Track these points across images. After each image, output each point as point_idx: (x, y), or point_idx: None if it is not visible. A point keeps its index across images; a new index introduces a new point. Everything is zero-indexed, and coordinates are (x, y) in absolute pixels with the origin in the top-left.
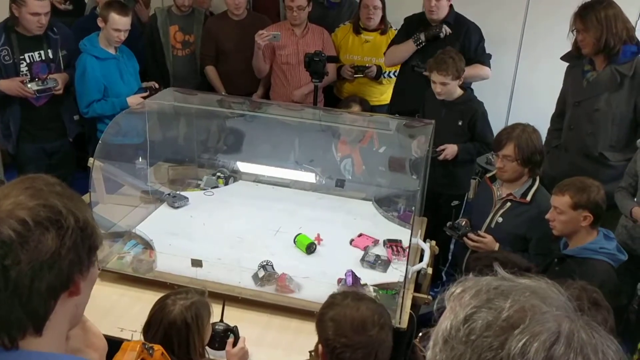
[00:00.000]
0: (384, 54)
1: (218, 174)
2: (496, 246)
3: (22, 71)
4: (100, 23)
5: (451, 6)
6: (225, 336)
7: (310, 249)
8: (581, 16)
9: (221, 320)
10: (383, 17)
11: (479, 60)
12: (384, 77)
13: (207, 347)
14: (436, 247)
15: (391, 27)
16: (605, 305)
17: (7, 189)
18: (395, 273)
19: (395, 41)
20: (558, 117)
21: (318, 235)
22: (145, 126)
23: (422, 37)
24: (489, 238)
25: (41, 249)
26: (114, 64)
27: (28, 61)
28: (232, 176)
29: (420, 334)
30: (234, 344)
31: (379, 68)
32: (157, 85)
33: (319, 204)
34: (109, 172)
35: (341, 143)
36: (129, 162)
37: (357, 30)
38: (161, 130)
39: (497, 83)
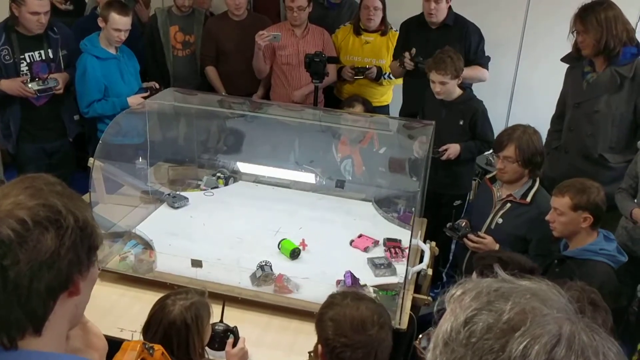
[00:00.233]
0: (390, 66)
1: (218, 174)
2: (496, 247)
3: (22, 71)
4: (100, 23)
5: (450, 8)
6: (225, 336)
7: (294, 254)
8: (581, 17)
9: (221, 321)
10: (383, 18)
11: (478, 62)
12: (384, 79)
13: (206, 348)
14: (436, 248)
15: (391, 28)
16: (604, 306)
17: (6, 188)
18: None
19: (396, 48)
20: (558, 119)
21: (303, 240)
22: (146, 126)
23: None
24: (489, 239)
25: (40, 248)
26: (114, 64)
27: (28, 61)
28: (232, 177)
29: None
30: (234, 345)
31: (379, 69)
32: (157, 86)
33: (319, 205)
34: (109, 172)
35: (341, 144)
36: (129, 162)
37: (358, 31)
38: (161, 131)
39: (497, 84)
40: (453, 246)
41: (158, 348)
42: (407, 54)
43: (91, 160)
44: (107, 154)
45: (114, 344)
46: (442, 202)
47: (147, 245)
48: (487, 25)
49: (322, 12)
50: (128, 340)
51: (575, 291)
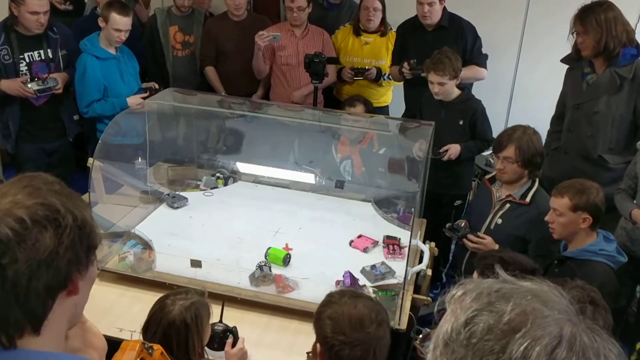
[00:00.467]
0: (390, 70)
1: (217, 174)
2: (495, 247)
3: (22, 70)
4: (101, 23)
5: (444, 8)
6: (224, 337)
7: (286, 261)
8: (581, 19)
9: (220, 321)
10: (383, 19)
11: (474, 62)
12: (384, 79)
13: (206, 348)
14: (435, 248)
15: (391, 29)
16: (603, 304)
17: (5, 187)
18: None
19: (394, 52)
20: (557, 120)
21: (287, 245)
22: (145, 126)
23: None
24: (488, 239)
25: (39, 247)
26: (114, 64)
27: (28, 60)
28: (232, 177)
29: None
30: (233, 345)
31: (379, 70)
32: (156, 86)
33: (319, 205)
34: (108, 172)
35: (341, 144)
36: (128, 162)
37: (357, 32)
38: (161, 131)
39: (497, 85)
40: (453, 246)
41: (157, 348)
42: (405, 64)
43: (90, 160)
44: (106, 154)
45: (113, 344)
46: (443, 202)
47: (147, 245)
48: (486, 26)
49: (321, 12)
50: (127, 340)
51: (577, 291)
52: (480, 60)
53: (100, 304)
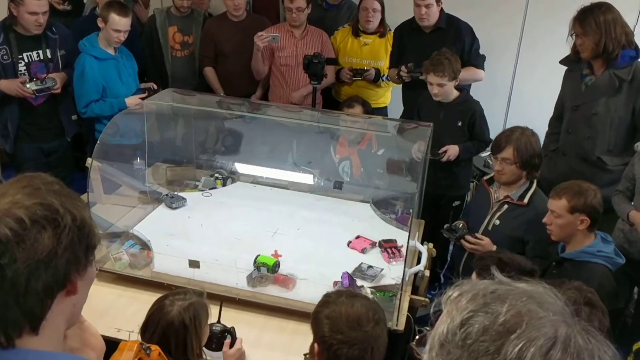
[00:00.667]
0: (388, 72)
1: (216, 175)
2: (493, 248)
3: (20, 71)
4: (100, 23)
5: (442, 10)
6: (222, 337)
7: (275, 269)
8: (580, 20)
9: (218, 321)
10: (382, 20)
11: (472, 63)
12: (382, 80)
13: (204, 348)
14: (433, 249)
15: (390, 30)
16: (600, 306)
17: (4, 187)
18: (392, 276)
19: (392, 54)
20: (556, 121)
21: (276, 251)
22: (144, 127)
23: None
24: (486, 240)
25: (37, 247)
26: (113, 65)
27: (26, 61)
28: (230, 177)
29: (417, 338)
30: (231, 345)
31: (378, 71)
32: (155, 86)
33: (317, 206)
34: (107, 173)
35: (339, 145)
36: (127, 162)
37: (356, 33)
38: (159, 131)
39: (495, 86)
40: (451, 247)
41: (155, 348)
42: (404, 68)
43: (89, 160)
44: (105, 155)
45: (111, 344)
46: (441, 203)
47: (145, 246)
48: (485, 27)
49: (320, 13)
50: (125, 341)
51: (572, 292)
52: (477, 61)
53: (99, 304)
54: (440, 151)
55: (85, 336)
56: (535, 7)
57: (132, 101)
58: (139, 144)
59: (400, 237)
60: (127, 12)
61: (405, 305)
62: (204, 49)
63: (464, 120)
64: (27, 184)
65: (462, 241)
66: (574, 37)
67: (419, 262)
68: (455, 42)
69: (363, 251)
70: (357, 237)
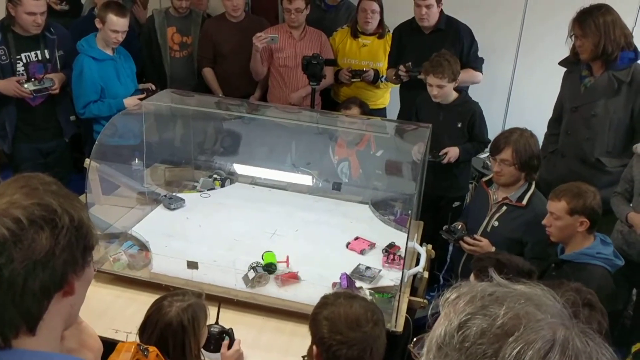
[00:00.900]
0: (387, 73)
1: (214, 175)
2: (492, 250)
3: (19, 71)
4: (98, 24)
5: (442, 11)
6: (220, 338)
7: (270, 268)
8: (579, 22)
9: (216, 323)
10: (381, 21)
11: (470, 65)
12: (381, 81)
13: (202, 349)
14: (432, 250)
15: (389, 31)
16: (600, 307)
17: (2, 187)
18: (391, 277)
19: (391, 54)
20: (555, 122)
21: (287, 257)
22: (142, 127)
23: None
24: (484, 242)
25: (35, 247)
26: (111, 65)
27: (25, 61)
28: (229, 178)
29: (415, 340)
30: (229, 346)
31: (376, 72)
32: (153, 87)
33: (316, 207)
34: (105, 173)
35: (338, 146)
36: (125, 163)
37: (355, 34)
38: (158, 132)
39: (494, 88)
40: (450, 248)
41: (153, 350)
42: (402, 67)
43: (87, 161)
44: (103, 155)
45: (109, 345)
46: (440, 204)
47: (143, 247)
48: (484, 29)
49: (319, 14)
50: (123, 342)
51: (571, 294)
52: (476, 64)
53: (97, 305)
54: (440, 153)
55: (82, 337)
56: (534, 9)
57: (130, 102)
58: (137, 144)
59: (399, 238)
60: (125, 12)
61: (404, 307)
62: (202, 49)
63: (464, 121)
64: (25, 184)
65: (461, 242)
66: (573, 38)
67: (417, 264)
68: (454, 44)
69: (362, 252)
70: (356, 238)
